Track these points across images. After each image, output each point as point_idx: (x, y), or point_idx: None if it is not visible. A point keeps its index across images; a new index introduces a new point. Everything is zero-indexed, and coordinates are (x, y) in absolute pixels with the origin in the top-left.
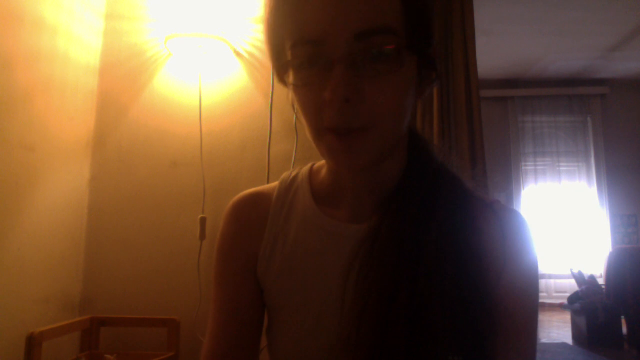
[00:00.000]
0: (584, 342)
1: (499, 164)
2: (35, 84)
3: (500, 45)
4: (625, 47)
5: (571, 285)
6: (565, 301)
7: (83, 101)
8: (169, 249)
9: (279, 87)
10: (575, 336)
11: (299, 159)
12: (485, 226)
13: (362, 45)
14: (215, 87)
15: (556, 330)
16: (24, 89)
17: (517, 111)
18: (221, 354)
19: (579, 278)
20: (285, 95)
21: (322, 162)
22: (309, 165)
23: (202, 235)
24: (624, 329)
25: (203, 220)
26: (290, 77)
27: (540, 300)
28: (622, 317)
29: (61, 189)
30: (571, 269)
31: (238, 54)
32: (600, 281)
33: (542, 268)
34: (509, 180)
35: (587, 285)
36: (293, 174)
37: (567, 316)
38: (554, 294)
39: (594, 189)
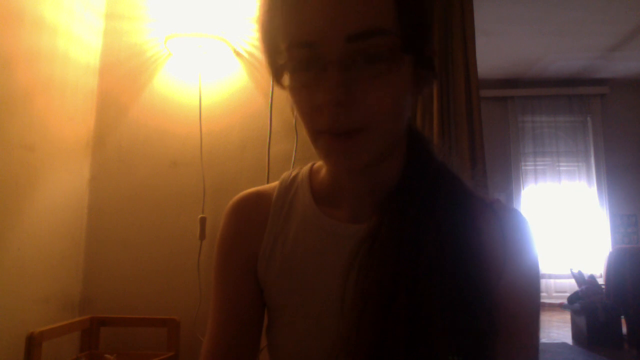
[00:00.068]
0: (584, 342)
1: (499, 164)
2: (35, 84)
3: (500, 45)
4: (625, 47)
5: (571, 285)
6: (565, 301)
7: (83, 101)
8: (169, 249)
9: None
10: (575, 336)
11: (299, 159)
12: (486, 226)
13: (356, 47)
14: (215, 87)
15: (556, 330)
16: (24, 89)
17: (517, 111)
18: (221, 354)
19: (579, 278)
20: (286, 95)
21: (322, 162)
22: (309, 165)
23: (202, 235)
24: (624, 329)
25: (203, 220)
26: (287, 80)
27: (541, 300)
28: (622, 317)
29: (61, 189)
30: (571, 269)
31: (238, 54)
32: (600, 281)
33: (542, 268)
34: (509, 180)
35: (587, 285)
36: (293, 174)
37: (567, 316)
38: (554, 294)
39: (594, 189)
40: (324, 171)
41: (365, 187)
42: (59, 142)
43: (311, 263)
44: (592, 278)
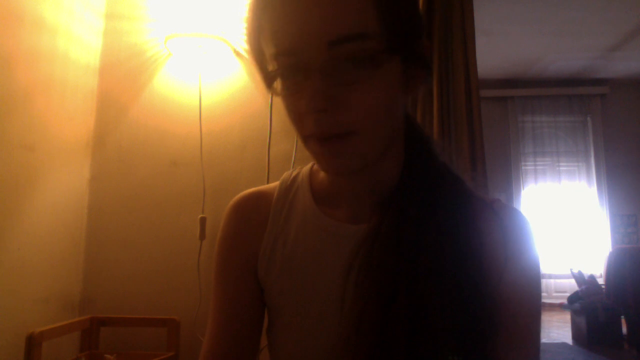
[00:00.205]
0: (584, 342)
1: (499, 164)
2: (35, 84)
3: (500, 45)
4: (625, 47)
5: (571, 285)
6: (565, 301)
7: (83, 101)
8: (169, 249)
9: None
10: (575, 336)
11: (299, 159)
12: (486, 226)
13: (337, 52)
14: (215, 87)
15: (556, 330)
16: (24, 89)
17: (517, 111)
18: (221, 353)
19: (579, 278)
20: None
21: None
22: (309, 165)
23: (202, 235)
24: (624, 329)
25: (203, 220)
26: (279, 86)
27: (541, 300)
28: (622, 317)
29: (61, 189)
30: (571, 269)
31: (238, 54)
32: (600, 281)
33: (543, 268)
34: (509, 180)
35: (587, 285)
36: (294, 174)
37: (567, 316)
38: (554, 294)
39: (594, 189)
40: (323, 172)
41: (365, 188)
42: (59, 142)
43: (311, 263)
44: (592, 278)
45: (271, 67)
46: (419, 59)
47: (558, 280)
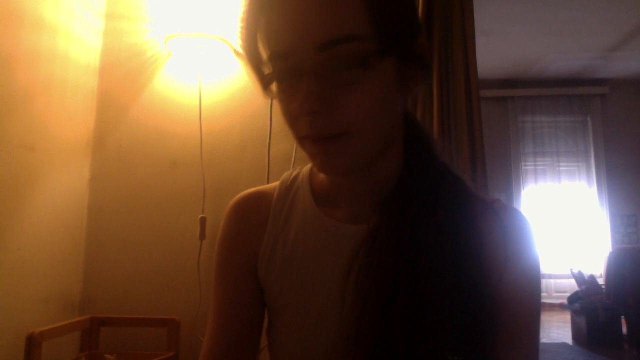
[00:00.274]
0: (584, 342)
1: (499, 164)
2: (35, 84)
3: (500, 45)
4: (625, 47)
5: (571, 285)
6: (565, 301)
7: (83, 101)
8: (169, 249)
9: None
10: (575, 336)
11: (299, 159)
12: (486, 226)
13: (329, 55)
14: (215, 87)
15: (556, 330)
16: (24, 89)
17: (517, 111)
18: (221, 354)
19: (579, 278)
20: None
21: None
22: (309, 165)
23: (202, 235)
24: (624, 329)
25: (203, 220)
26: (274, 88)
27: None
28: (622, 317)
29: (61, 189)
30: (571, 269)
31: (238, 54)
32: (600, 281)
33: (543, 268)
34: (509, 180)
35: (587, 285)
36: (294, 174)
37: (567, 316)
38: (554, 294)
39: (594, 189)
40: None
41: (364, 188)
42: (59, 142)
43: (311, 263)
44: (592, 278)
45: (267, 70)
46: (417, 59)
47: (558, 280)
